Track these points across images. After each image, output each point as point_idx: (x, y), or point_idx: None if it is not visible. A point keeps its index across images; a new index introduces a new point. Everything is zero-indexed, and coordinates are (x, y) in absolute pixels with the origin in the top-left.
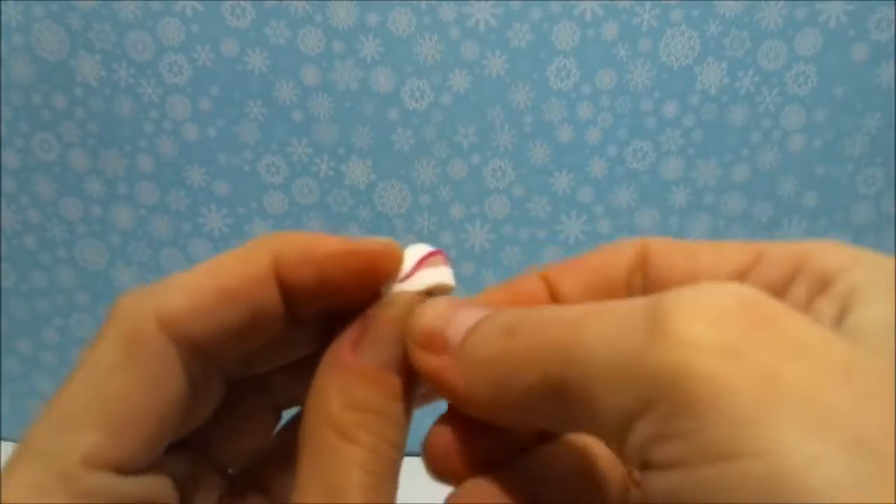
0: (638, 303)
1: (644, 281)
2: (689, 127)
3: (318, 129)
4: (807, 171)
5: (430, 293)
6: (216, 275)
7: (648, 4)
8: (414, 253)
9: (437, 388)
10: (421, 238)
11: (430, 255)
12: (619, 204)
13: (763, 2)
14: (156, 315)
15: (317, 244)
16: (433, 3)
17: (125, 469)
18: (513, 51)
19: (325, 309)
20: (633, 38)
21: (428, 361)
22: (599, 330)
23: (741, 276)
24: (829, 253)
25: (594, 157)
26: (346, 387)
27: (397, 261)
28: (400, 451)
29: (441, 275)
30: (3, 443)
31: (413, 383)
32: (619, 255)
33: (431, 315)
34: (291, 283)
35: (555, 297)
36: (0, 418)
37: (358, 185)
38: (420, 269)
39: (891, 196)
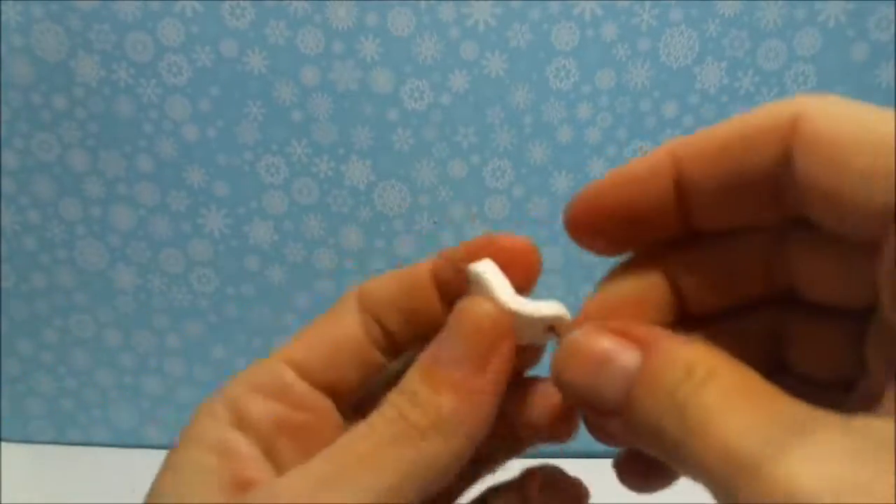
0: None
1: (792, 183)
2: (688, 127)
3: (317, 130)
4: None
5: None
6: (395, 278)
7: (648, 4)
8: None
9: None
10: (420, 238)
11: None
12: None
13: (762, 1)
14: (358, 290)
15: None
16: (433, 3)
17: (302, 370)
18: (512, 51)
19: None
20: (633, 38)
21: (594, 421)
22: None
23: (890, 209)
24: None
25: (594, 157)
26: (405, 377)
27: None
28: (415, 427)
29: (558, 309)
30: (3, 443)
31: (490, 391)
32: (762, 143)
33: (579, 373)
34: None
35: (681, 191)
36: (0, 418)
37: (358, 185)
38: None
39: None
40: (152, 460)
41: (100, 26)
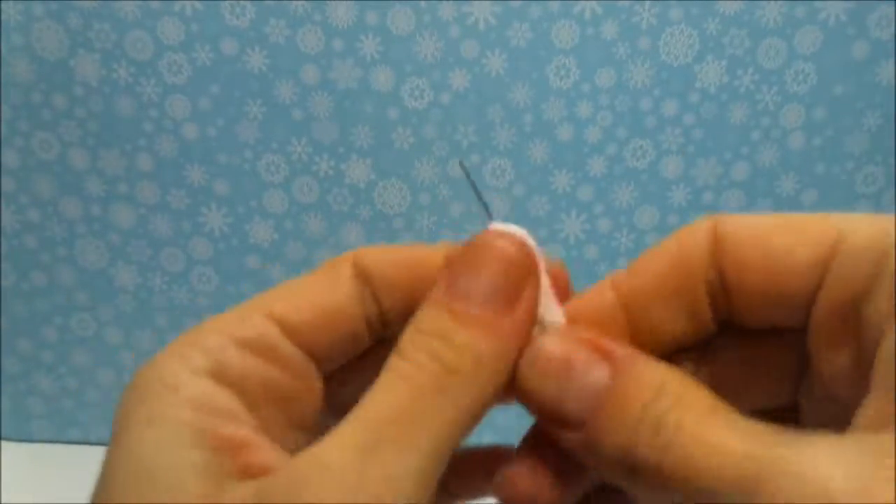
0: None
1: (722, 279)
2: (688, 125)
3: (317, 128)
4: (806, 170)
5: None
6: (399, 249)
7: (648, 3)
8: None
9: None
10: (420, 237)
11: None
12: (618, 202)
13: (762, 0)
14: (353, 255)
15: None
16: (433, 1)
17: (288, 330)
18: (512, 49)
19: None
20: (633, 37)
21: (557, 435)
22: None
23: (820, 271)
24: None
25: (594, 155)
26: (424, 317)
27: None
28: (455, 371)
29: (556, 314)
30: (4, 442)
31: (520, 331)
32: (690, 254)
33: (544, 381)
34: None
35: (627, 310)
36: (0, 417)
37: (358, 183)
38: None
39: (891, 194)
40: None
41: (100, 25)
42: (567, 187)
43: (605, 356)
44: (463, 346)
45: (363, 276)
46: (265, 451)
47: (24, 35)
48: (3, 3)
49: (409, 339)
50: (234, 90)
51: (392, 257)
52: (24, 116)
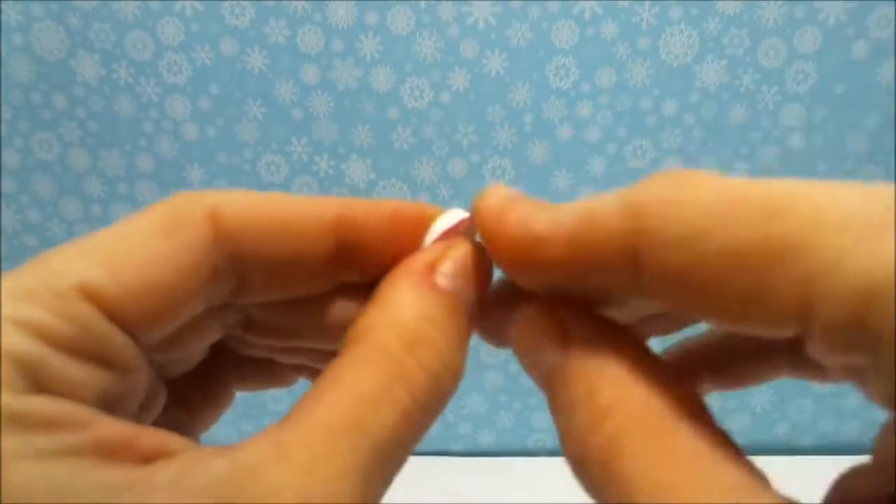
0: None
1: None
2: (688, 125)
3: (317, 128)
4: (806, 169)
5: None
6: (279, 204)
7: (648, 3)
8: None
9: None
10: None
11: (461, 223)
12: None
13: (762, 0)
14: (211, 207)
15: (384, 207)
16: (432, 1)
17: (113, 314)
18: (512, 49)
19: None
20: (633, 37)
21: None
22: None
23: None
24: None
25: (594, 155)
26: (423, 300)
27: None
28: (451, 382)
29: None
30: None
31: (471, 325)
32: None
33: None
34: (353, 242)
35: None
36: None
37: (358, 183)
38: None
39: None
40: None
41: (100, 25)
42: (567, 187)
43: (558, 334)
44: (458, 348)
45: (225, 242)
46: (149, 435)
47: (24, 35)
48: (3, 4)
49: (419, 328)
50: (233, 90)
51: (264, 211)
52: (24, 116)
